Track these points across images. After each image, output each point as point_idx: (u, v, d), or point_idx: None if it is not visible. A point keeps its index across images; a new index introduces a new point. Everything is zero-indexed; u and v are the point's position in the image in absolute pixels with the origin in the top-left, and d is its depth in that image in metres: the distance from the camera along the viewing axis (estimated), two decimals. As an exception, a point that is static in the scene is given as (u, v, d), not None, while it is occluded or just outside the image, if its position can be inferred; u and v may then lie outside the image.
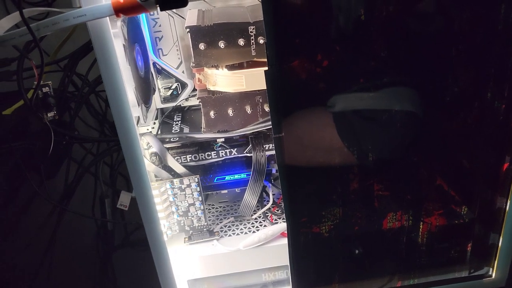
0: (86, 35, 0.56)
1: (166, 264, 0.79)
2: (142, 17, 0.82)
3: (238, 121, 0.79)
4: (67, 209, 0.86)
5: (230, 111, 0.78)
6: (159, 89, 0.90)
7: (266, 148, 0.82)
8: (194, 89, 0.86)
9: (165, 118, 0.90)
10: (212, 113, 0.78)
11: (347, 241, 0.78)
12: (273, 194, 0.89)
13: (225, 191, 0.93)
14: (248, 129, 0.79)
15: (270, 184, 0.90)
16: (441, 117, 0.68)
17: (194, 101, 0.91)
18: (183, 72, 0.89)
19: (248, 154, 0.83)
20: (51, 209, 0.84)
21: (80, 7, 0.55)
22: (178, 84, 0.89)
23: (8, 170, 0.80)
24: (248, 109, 0.79)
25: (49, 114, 0.81)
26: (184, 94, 0.89)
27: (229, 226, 0.90)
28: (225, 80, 0.76)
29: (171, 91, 0.90)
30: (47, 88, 0.81)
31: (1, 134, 0.80)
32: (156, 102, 0.91)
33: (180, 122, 0.89)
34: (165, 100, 0.90)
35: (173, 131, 0.85)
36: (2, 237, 0.79)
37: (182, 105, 0.93)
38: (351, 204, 0.73)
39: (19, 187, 0.81)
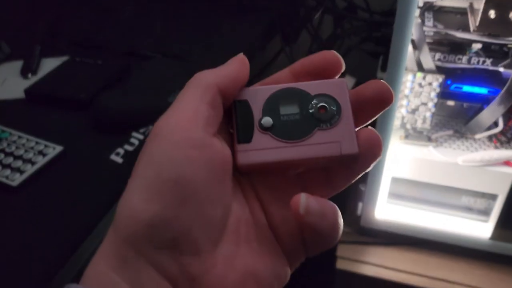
0: None
1: (383, 154, 0.80)
2: None
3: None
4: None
5: None
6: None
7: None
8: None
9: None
10: (492, 13, 0.72)
11: None
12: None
13: (452, 103, 0.89)
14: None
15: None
16: None
17: (448, 2, 0.85)
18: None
19: (501, 70, 0.77)
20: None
21: None
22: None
23: (263, 27, 0.85)
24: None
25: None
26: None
27: (447, 138, 0.87)
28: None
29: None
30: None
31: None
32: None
33: (432, 19, 0.85)
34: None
35: (425, 25, 0.81)
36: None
37: (433, 4, 0.87)
38: None
39: (265, 45, 0.86)
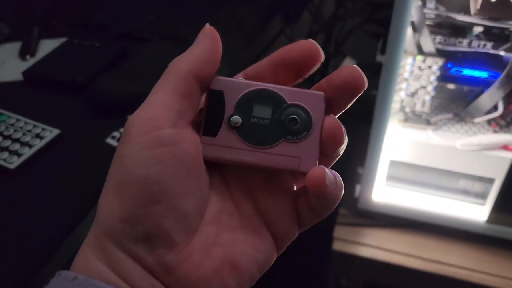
0: None
1: (381, 137, 0.80)
2: None
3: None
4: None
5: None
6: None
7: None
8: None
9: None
10: (494, -5, 0.71)
11: None
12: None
13: (452, 86, 0.88)
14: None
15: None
16: None
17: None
18: None
19: (502, 53, 0.76)
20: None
21: None
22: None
23: (264, 8, 0.84)
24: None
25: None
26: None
27: (446, 121, 0.87)
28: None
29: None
30: None
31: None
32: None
33: (434, 1, 0.83)
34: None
35: (426, 8, 0.80)
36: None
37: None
38: None
39: (266, 26, 0.85)
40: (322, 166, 0.25)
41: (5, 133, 0.59)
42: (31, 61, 0.72)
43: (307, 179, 0.24)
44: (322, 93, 0.26)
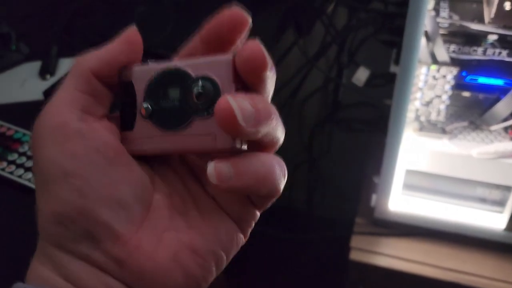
0: None
1: (397, 146, 0.80)
2: None
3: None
4: (315, 65, 0.90)
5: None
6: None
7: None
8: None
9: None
10: (508, 5, 0.71)
11: None
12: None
13: (467, 94, 0.88)
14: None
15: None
16: None
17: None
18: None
19: (517, 61, 0.76)
20: (303, 63, 0.89)
21: None
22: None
23: (276, 20, 0.85)
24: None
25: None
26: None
27: (461, 130, 0.86)
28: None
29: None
30: None
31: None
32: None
33: (447, 9, 0.83)
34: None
35: (440, 17, 0.80)
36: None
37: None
38: None
39: (279, 38, 0.86)
40: (208, 163, 0.22)
41: (29, 153, 0.61)
42: (51, 80, 0.74)
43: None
44: (228, 56, 0.23)
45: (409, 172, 0.87)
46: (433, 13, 0.77)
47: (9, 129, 0.65)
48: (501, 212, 0.86)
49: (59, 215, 0.23)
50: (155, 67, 0.25)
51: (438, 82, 0.80)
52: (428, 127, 0.85)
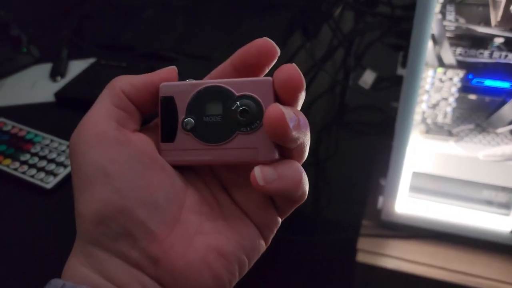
0: None
1: (403, 149, 0.81)
2: None
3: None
4: (322, 69, 0.90)
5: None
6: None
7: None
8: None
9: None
10: (514, 8, 0.71)
11: None
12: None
13: (473, 96, 0.88)
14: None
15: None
16: None
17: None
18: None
19: (524, 64, 0.76)
20: (310, 66, 0.90)
21: None
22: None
23: (283, 24, 0.86)
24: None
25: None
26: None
27: (468, 132, 0.87)
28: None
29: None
30: None
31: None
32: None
33: (454, 13, 0.84)
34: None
35: (446, 20, 0.81)
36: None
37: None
38: None
39: (286, 42, 0.87)
40: (255, 167, 0.25)
41: (41, 153, 0.62)
42: (61, 82, 0.75)
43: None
44: (269, 78, 0.25)
45: (416, 175, 0.87)
46: (439, 16, 0.78)
47: (21, 130, 0.66)
48: (507, 214, 0.86)
49: (101, 215, 0.25)
50: (195, 84, 0.27)
51: (445, 85, 0.80)
52: (435, 129, 0.85)
